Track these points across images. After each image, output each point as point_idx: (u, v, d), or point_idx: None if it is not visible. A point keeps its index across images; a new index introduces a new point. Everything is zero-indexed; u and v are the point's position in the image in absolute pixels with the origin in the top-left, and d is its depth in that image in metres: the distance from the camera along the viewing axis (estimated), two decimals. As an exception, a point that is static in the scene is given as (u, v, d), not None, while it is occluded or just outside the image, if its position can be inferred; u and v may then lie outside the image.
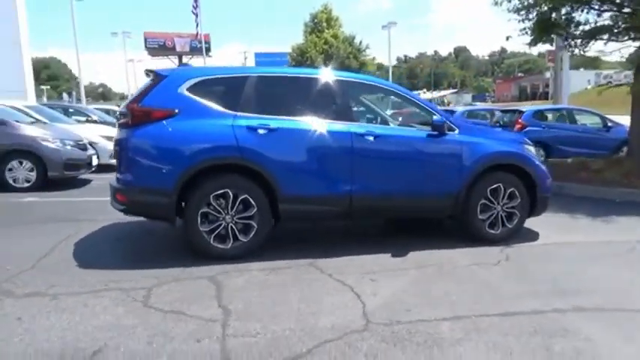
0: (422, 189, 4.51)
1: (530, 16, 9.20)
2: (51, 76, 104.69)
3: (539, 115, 11.90)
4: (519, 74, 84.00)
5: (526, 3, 9.16)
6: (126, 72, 57.59)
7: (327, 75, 4.46)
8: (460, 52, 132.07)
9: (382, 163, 4.39)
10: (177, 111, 3.94)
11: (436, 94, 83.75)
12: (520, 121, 11.40)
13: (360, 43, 33.69)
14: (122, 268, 3.80)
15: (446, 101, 71.14)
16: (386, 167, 4.41)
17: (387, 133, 4.44)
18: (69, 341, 2.63)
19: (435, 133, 4.50)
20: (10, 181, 7.14)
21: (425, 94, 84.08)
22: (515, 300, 3.31)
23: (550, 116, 12.24)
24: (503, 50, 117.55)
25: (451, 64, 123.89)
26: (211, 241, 3.98)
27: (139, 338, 2.67)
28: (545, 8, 8.94)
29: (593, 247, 4.74)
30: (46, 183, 7.29)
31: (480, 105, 33.71)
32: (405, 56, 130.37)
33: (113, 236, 4.86)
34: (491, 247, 4.57)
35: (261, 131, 4.04)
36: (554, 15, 9.02)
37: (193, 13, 52.28)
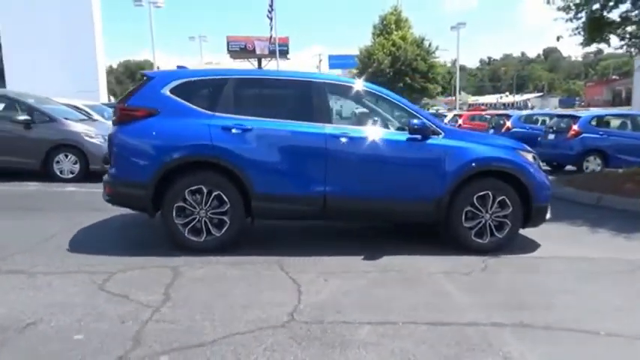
0: (400, 193, 4.45)
1: (580, 15, 8.60)
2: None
3: (598, 121, 11.02)
4: (614, 77, 77.40)
5: (577, 1, 8.58)
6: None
7: (305, 77, 4.54)
8: (550, 53, 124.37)
9: (358, 165, 4.38)
10: (158, 110, 4.22)
11: (519, 97, 79.60)
12: (575, 127, 10.65)
13: (430, 45, 32.97)
14: (104, 254, 4.13)
15: (530, 105, 67.46)
16: (362, 169, 4.40)
17: (363, 135, 4.42)
18: (14, 314, 2.95)
19: (417, 136, 4.41)
20: (57, 172, 7.95)
21: (507, 98, 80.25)
22: (459, 311, 3.20)
23: (612, 123, 11.28)
24: (599, 51, 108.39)
25: (539, 65, 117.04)
26: (186, 234, 4.22)
27: (73, 316, 2.94)
28: (597, 6, 8.31)
29: (592, 263, 4.38)
30: (88, 175, 8.01)
31: (538, 110, 32.01)
32: (489, 58, 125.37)
33: (119, 225, 5.27)
34: (477, 256, 4.39)
35: (235, 131, 4.21)
36: (605, 13, 8.35)
37: (268, 17, 54.09)
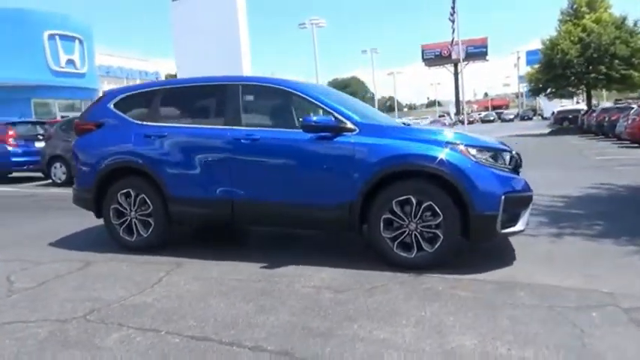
0: (309, 197, 4.04)
1: None
2: (350, 93, 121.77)
3: None
4: None
5: None
6: (394, 84, 61.69)
7: (221, 81, 4.51)
8: None
9: (263, 168, 4.17)
10: (103, 123, 4.77)
11: None
12: None
13: (636, 24, 27.09)
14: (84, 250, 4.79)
15: None
16: (267, 172, 4.16)
17: (268, 136, 4.16)
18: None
19: (326, 134, 3.96)
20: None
21: None
22: (251, 327, 2.83)
23: None
24: None
25: None
26: (121, 233, 4.64)
27: None
28: None
29: (535, 290, 3.24)
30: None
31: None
32: None
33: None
34: (399, 272, 3.71)
35: (153, 138, 4.47)
36: None
37: (450, 20, 52.56)
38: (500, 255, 4.12)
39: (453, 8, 48.49)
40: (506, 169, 3.86)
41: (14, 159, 12.01)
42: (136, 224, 4.57)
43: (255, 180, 4.19)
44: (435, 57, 78.04)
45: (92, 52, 32.79)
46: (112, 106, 4.79)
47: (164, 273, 3.94)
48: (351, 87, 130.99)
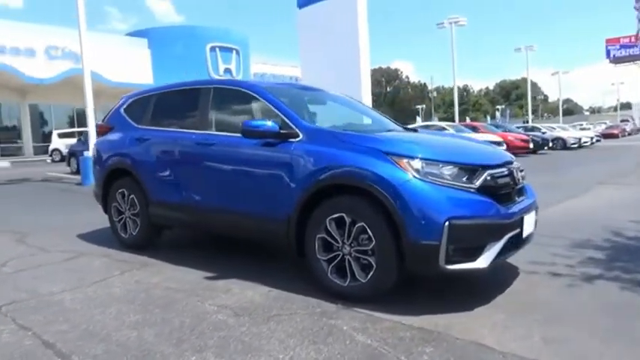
0: (251, 208, 3.74)
1: None
2: (519, 96, 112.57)
3: None
4: None
5: None
6: (559, 85, 55.10)
7: (198, 84, 4.43)
8: None
9: (215, 174, 3.99)
10: (113, 127, 5.09)
11: None
12: None
13: None
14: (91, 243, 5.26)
15: None
16: (218, 179, 3.98)
17: (223, 141, 3.95)
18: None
19: (270, 140, 3.62)
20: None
21: None
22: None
23: None
24: None
25: None
26: (118, 230, 4.90)
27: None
28: None
29: (454, 350, 2.47)
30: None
31: None
32: None
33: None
34: (329, 303, 3.21)
35: (139, 141, 4.62)
36: None
37: (635, 9, 44.50)
38: (475, 295, 3.29)
39: (637, -4, 41.21)
40: (470, 189, 3.05)
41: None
42: (128, 223, 4.79)
43: (208, 186, 4.06)
44: (623, 53, 67.70)
45: (248, 60, 36.12)
46: (122, 110, 5.11)
47: (118, 272, 4.04)
48: (522, 88, 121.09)
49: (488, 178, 3.13)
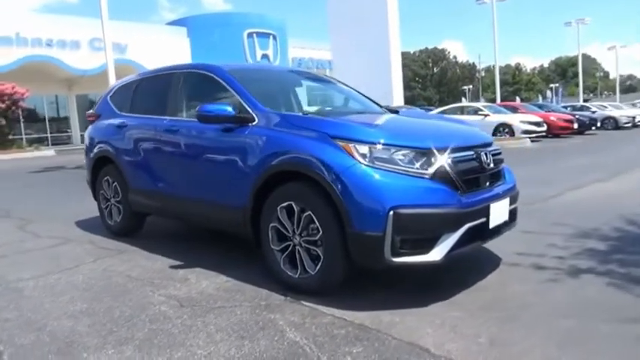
0: (212, 195, 3.64)
1: None
2: (575, 73, 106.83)
3: None
4: None
5: None
6: (616, 60, 51.49)
7: (172, 70, 4.34)
8: None
9: (178, 160, 3.94)
10: (100, 114, 5.11)
11: None
12: None
13: None
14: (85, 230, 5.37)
15: None
16: (180, 166, 3.92)
17: (186, 126, 3.85)
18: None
19: (229, 125, 3.48)
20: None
21: None
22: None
23: None
24: None
25: None
26: (105, 217, 4.92)
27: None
28: None
29: (385, 347, 2.28)
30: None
31: None
32: None
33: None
34: (278, 295, 3.08)
35: (119, 128, 4.60)
36: None
37: None
38: (437, 290, 3.05)
39: None
40: (424, 175, 2.79)
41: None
42: (113, 210, 4.82)
43: (175, 173, 4.00)
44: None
45: (285, 46, 35.94)
46: (109, 98, 5.11)
47: (92, 259, 4.06)
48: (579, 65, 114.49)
49: (449, 162, 2.86)
